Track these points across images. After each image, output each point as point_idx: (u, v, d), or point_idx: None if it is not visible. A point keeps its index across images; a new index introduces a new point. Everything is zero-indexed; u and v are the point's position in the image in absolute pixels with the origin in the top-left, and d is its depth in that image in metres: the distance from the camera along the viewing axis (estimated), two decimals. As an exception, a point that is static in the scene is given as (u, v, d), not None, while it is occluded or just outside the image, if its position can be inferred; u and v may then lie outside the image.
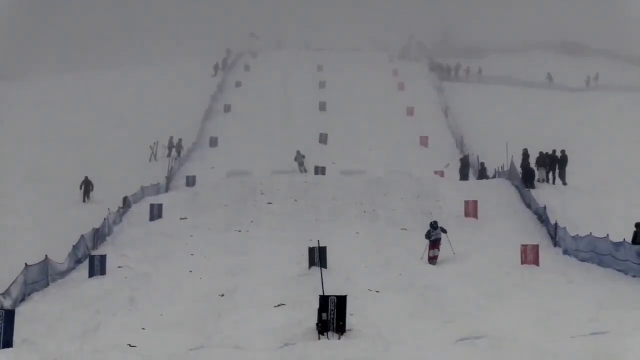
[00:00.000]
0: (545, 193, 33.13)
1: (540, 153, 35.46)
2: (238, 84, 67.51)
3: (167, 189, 39.44)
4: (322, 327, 15.35)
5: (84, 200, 37.39)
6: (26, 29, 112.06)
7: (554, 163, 35.43)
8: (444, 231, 25.56)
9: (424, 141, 49.51)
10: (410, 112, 56.98)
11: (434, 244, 25.14)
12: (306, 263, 23.54)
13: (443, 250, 25.27)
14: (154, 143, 48.56)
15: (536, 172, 35.11)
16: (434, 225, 25.41)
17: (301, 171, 42.93)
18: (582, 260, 24.44)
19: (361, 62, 78.21)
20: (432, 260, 25.00)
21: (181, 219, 32.09)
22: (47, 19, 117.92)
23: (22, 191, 38.50)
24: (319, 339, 15.14)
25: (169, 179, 41.10)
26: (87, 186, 37.78)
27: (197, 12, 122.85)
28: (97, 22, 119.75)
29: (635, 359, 12.43)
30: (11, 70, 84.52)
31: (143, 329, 16.70)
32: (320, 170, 41.38)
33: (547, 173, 35.34)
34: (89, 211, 33.84)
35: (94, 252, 26.43)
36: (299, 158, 43.83)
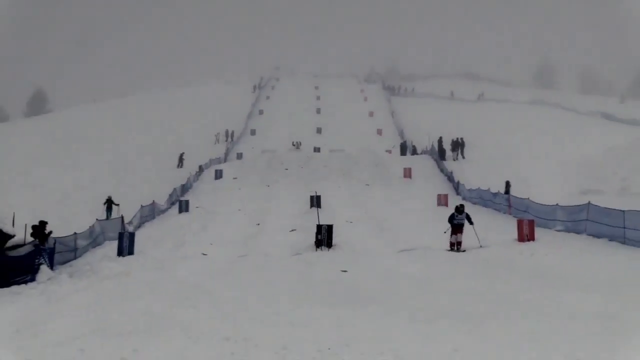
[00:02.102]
0: (452, 163, 33.11)
1: (454, 142, 35.29)
2: (267, 97, 66.95)
3: (225, 161, 39.23)
4: (318, 244, 15.31)
5: (178, 167, 37.15)
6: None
7: (458, 145, 35.34)
8: (470, 221, 14.80)
9: (379, 132, 49.17)
10: (371, 114, 56.58)
11: (457, 229, 14.68)
12: (308, 205, 23.58)
13: (466, 239, 14.94)
14: (217, 133, 48.22)
15: (451, 154, 35.00)
16: (459, 209, 14.88)
17: (297, 148, 42.21)
18: (474, 203, 24.50)
19: (341, 84, 77.97)
20: (454, 246, 14.55)
21: (234, 179, 31.97)
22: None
23: (140, 162, 38.25)
24: (316, 250, 15.11)
25: (226, 154, 40.83)
26: (181, 157, 37.58)
27: (242, 50, 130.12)
28: (170, 47, 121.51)
29: (507, 260, 12.40)
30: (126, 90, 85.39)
31: (211, 244, 16.69)
32: (316, 149, 41.22)
33: (457, 154, 35.20)
34: (179, 174, 33.73)
35: (181, 198, 26.48)
36: (297, 144, 43.07)
